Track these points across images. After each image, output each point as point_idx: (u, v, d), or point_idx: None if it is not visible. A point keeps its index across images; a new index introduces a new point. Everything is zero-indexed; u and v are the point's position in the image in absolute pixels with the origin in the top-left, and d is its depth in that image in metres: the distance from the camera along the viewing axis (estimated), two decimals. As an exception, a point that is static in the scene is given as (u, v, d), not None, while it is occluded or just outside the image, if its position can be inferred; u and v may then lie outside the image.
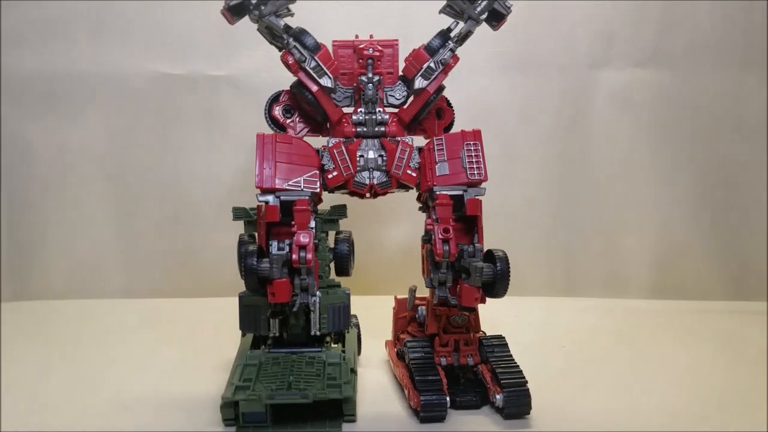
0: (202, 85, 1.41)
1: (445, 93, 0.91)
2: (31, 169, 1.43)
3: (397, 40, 0.89)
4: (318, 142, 0.89)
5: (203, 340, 1.16)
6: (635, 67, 1.43)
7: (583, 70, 1.43)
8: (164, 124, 1.43)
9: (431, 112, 0.91)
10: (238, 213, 0.94)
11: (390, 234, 1.48)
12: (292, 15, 0.84)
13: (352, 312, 0.95)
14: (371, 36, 0.89)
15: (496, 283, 0.81)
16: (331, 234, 0.96)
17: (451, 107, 0.95)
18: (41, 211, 1.45)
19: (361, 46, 0.84)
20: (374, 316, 1.11)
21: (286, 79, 0.88)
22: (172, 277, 1.47)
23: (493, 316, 1.00)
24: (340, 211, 0.95)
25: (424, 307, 0.98)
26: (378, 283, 1.42)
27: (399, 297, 1.04)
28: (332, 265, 0.94)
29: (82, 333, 1.22)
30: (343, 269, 0.94)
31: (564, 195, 1.48)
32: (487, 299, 0.83)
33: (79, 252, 1.45)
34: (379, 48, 0.84)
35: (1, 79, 1.39)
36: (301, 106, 0.88)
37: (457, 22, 0.86)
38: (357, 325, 1.07)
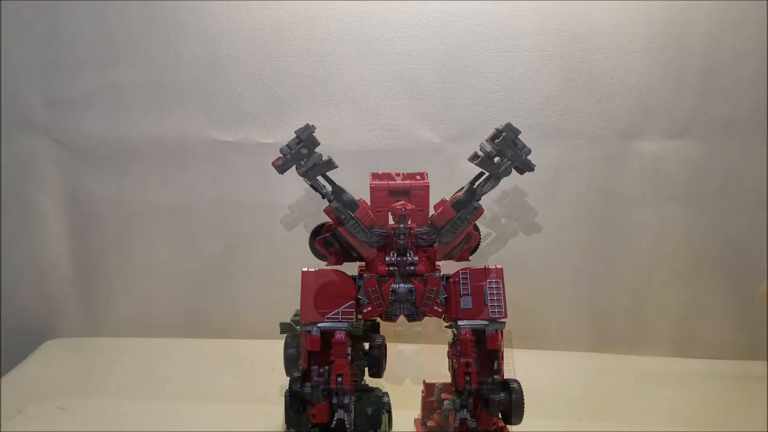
0: (252, 150, 1.52)
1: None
2: (99, 220, 1.59)
3: (427, 182, 0.98)
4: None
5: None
6: (669, 138, 1.47)
7: (616, 140, 1.48)
8: (219, 184, 1.56)
9: (459, 240, 1.00)
10: (284, 327, 1.06)
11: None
12: (336, 167, 0.94)
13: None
14: (402, 175, 0.98)
15: (512, 413, 0.93)
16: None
17: (478, 231, 1.04)
18: (109, 256, 1.61)
19: (394, 204, 0.93)
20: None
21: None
22: (229, 318, 1.63)
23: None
24: (375, 328, 1.06)
25: (448, 401, 1.10)
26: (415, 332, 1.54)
27: (428, 382, 1.16)
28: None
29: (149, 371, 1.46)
30: (376, 373, 1.07)
31: (590, 254, 1.55)
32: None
33: (142, 294, 1.62)
34: (410, 206, 0.93)
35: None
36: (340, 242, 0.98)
37: (483, 173, 0.94)
38: (388, 405, 1.18)
